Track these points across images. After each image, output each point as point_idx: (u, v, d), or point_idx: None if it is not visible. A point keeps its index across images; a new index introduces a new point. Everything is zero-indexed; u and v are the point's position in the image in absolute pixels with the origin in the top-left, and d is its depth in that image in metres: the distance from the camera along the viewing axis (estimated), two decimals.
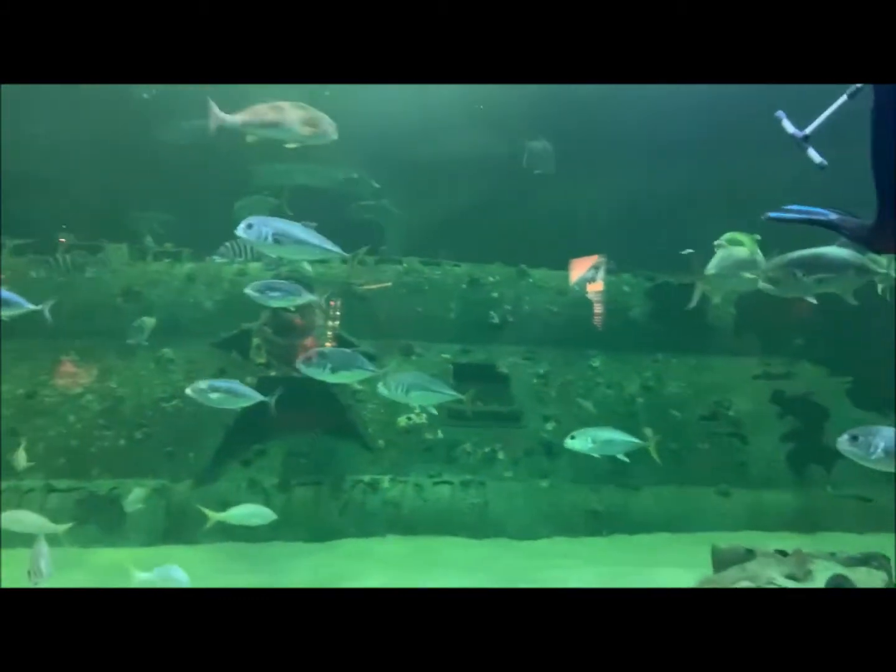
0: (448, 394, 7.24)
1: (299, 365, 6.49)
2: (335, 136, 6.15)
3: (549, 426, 10.53)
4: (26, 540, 6.16)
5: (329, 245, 5.60)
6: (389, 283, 11.41)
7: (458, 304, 11.61)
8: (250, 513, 7.51)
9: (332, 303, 10.40)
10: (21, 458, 8.45)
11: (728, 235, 6.57)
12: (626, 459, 7.26)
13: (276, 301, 7.17)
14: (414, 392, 6.99)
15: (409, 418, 10.23)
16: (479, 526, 9.45)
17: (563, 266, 12.23)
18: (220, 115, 5.88)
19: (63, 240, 10.62)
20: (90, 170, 11.28)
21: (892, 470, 5.03)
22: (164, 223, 12.17)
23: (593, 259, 12.13)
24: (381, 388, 6.99)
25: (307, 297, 7.14)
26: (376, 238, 12.08)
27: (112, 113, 10.84)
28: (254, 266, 10.21)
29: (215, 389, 7.16)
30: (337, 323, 10.32)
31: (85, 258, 10.64)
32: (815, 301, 5.38)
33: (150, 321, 8.88)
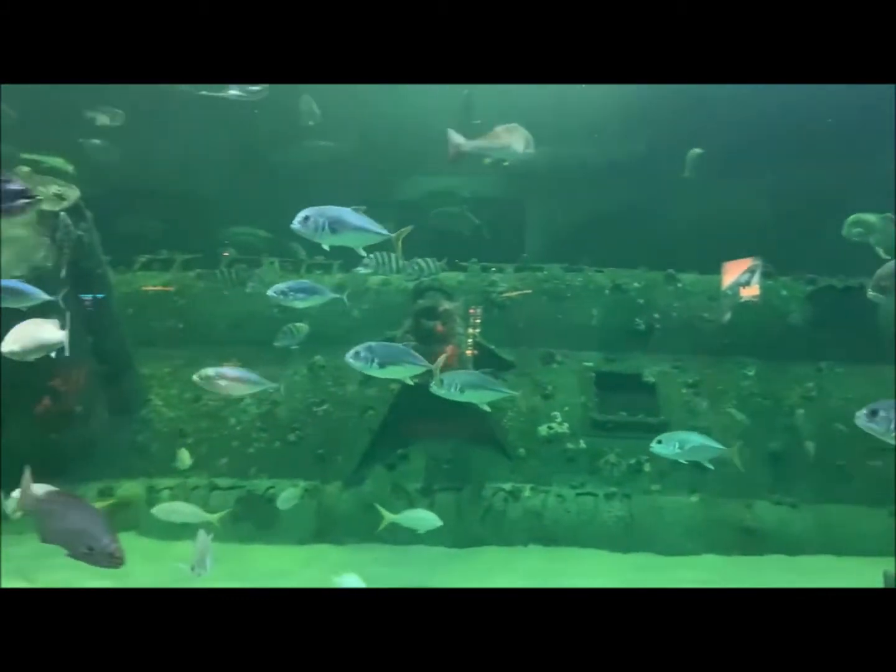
0: (502, 391, 7.14)
1: (347, 359, 6.48)
2: (533, 151, 6.58)
3: None
4: (182, 532, 6.62)
5: (379, 228, 5.60)
6: (529, 291, 11.35)
7: (601, 310, 11.35)
8: (420, 517, 7.85)
9: (471, 311, 10.50)
10: (185, 458, 9.12)
11: (854, 217, 6.11)
12: (711, 467, 7.19)
13: (300, 302, 7.25)
14: (468, 390, 6.92)
15: (551, 427, 10.11)
16: (623, 539, 9.17)
17: (715, 270, 11.64)
18: (458, 142, 6.33)
19: (226, 254, 11.40)
20: (244, 189, 12.07)
21: None
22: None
23: (748, 262, 11.46)
24: (434, 387, 6.86)
25: (331, 296, 7.21)
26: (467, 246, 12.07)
27: (256, 135, 11.50)
28: (396, 276, 10.50)
29: (223, 377, 7.17)
30: (477, 331, 10.39)
31: (245, 272, 11.37)
32: None
33: (302, 327, 9.30)
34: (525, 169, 12.03)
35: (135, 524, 8.88)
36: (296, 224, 5.37)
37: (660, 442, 7.02)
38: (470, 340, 10.17)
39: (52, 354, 6.45)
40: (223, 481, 9.54)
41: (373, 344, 6.49)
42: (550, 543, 9.15)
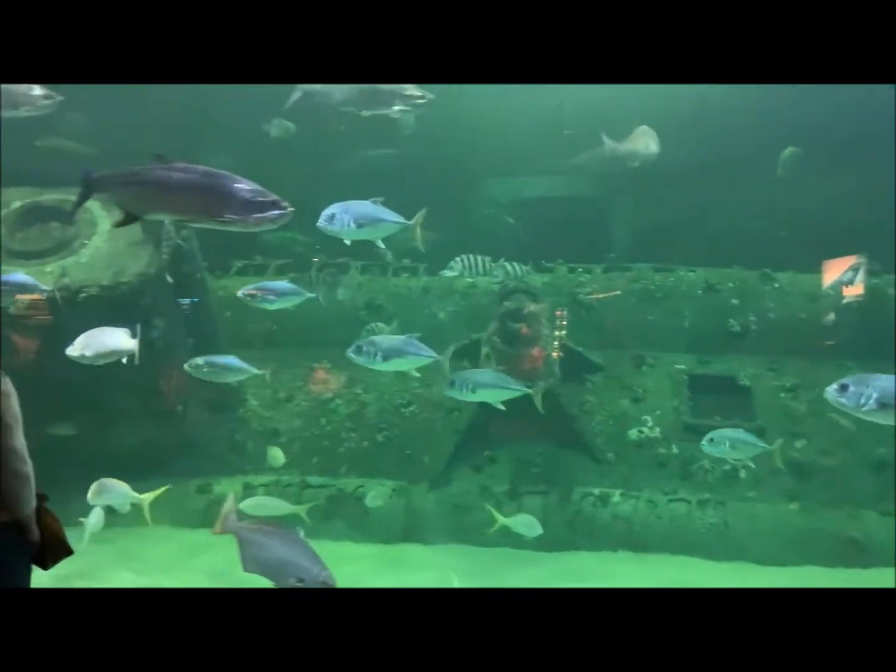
0: (517, 389, 6.92)
1: (349, 354, 6.46)
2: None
3: (799, 444, 9.64)
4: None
5: (398, 217, 5.60)
6: (618, 292, 11.16)
7: (694, 311, 11.03)
8: (525, 522, 8.03)
9: (558, 312, 10.39)
10: (278, 456, 9.39)
11: None
12: (752, 465, 7.47)
13: (272, 304, 7.24)
14: (481, 390, 6.77)
15: (641, 431, 9.90)
16: (717, 547, 8.88)
17: (815, 269, 11.15)
18: (612, 145, 6.75)
19: (316, 259, 11.68)
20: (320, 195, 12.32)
21: (886, 423, 4.30)
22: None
23: (851, 259, 10.91)
24: (447, 389, 6.86)
25: (306, 296, 7.19)
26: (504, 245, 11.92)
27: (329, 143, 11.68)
28: (483, 279, 10.49)
29: (211, 364, 7.41)
30: (563, 333, 10.28)
31: (334, 276, 11.63)
32: None
33: (383, 326, 9.45)
34: (614, 168, 11.90)
35: None
36: (322, 222, 5.46)
37: (711, 440, 7.09)
38: (556, 342, 10.07)
39: (124, 360, 6.84)
40: (315, 479, 9.78)
41: (375, 338, 6.51)
42: (640, 550, 8.95)
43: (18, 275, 7.68)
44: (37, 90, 6.47)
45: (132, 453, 8.77)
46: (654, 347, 10.79)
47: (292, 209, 3.99)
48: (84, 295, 8.65)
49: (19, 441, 2.99)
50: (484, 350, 9.63)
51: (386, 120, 8.09)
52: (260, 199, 3.94)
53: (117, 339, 6.78)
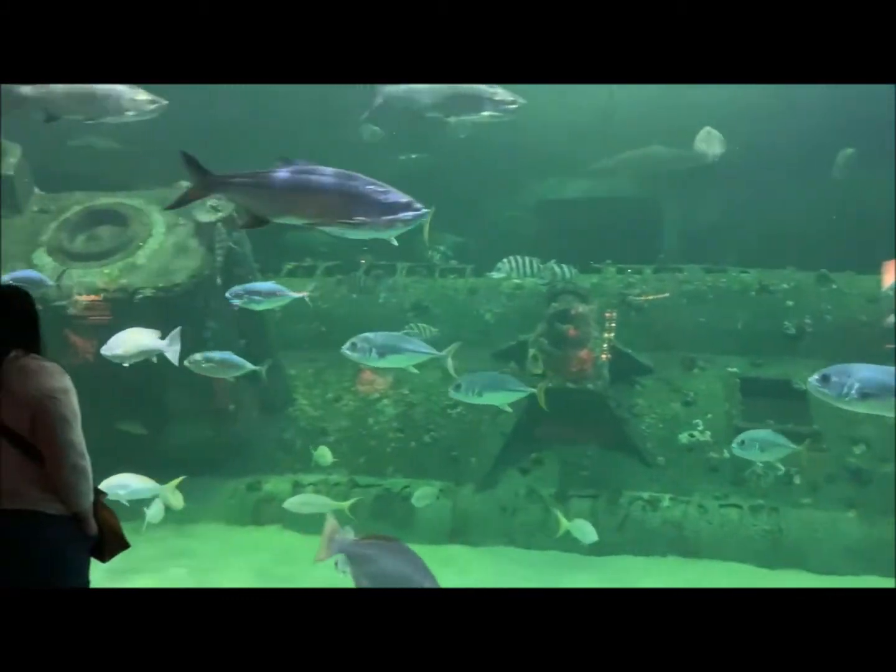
0: (523, 390, 6.89)
1: (343, 351, 6.39)
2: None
3: (858, 450, 9.36)
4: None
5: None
6: (667, 294, 10.99)
7: (747, 313, 10.80)
8: (582, 527, 8.08)
9: (607, 314, 10.29)
10: (326, 455, 9.47)
11: None
12: (781, 467, 7.47)
13: (259, 305, 7.21)
14: (487, 393, 6.67)
15: (692, 435, 9.74)
16: (770, 555, 8.68)
17: (874, 269, 10.82)
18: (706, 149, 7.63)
19: (363, 261, 11.78)
20: None
21: (866, 412, 4.59)
22: (456, 243, 12.93)
23: None
24: (453, 392, 6.80)
25: (292, 297, 7.15)
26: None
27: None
28: (529, 280, 10.45)
29: (209, 360, 7.47)
30: (612, 334, 10.17)
31: (379, 279, 11.71)
32: None
33: (426, 328, 9.44)
34: (663, 167, 11.74)
35: (279, 518, 9.32)
36: None
37: (742, 443, 7.10)
38: (605, 344, 9.96)
39: (154, 359, 7.03)
40: (362, 479, 9.83)
41: (370, 334, 6.44)
42: (690, 555, 8.80)
43: (27, 271, 7.91)
44: (142, 94, 6.34)
45: (185, 452, 8.95)
46: (706, 350, 10.60)
47: (427, 210, 3.94)
48: (140, 297, 8.88)
49: (78, 436, 3.08)
50: (531, 352, 9.58)
51: (443, 122, 8.07)
52: (393, 200, 3.86)
53: (145, 340, 6.98)
